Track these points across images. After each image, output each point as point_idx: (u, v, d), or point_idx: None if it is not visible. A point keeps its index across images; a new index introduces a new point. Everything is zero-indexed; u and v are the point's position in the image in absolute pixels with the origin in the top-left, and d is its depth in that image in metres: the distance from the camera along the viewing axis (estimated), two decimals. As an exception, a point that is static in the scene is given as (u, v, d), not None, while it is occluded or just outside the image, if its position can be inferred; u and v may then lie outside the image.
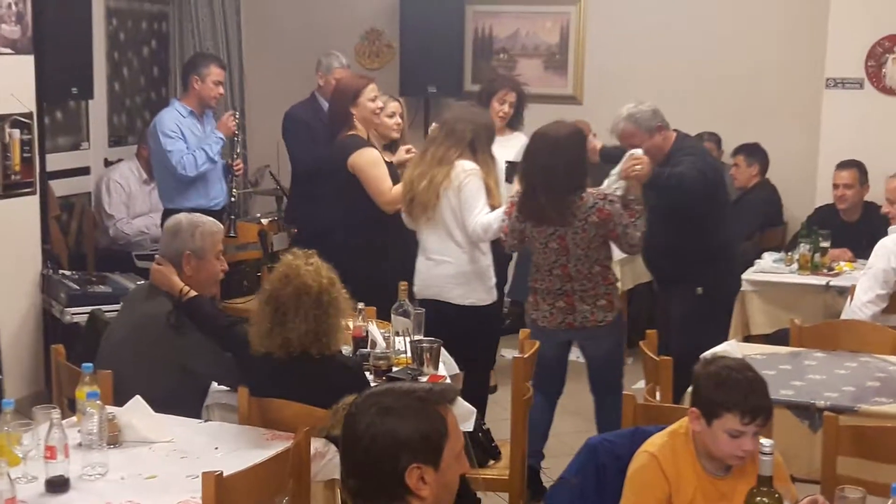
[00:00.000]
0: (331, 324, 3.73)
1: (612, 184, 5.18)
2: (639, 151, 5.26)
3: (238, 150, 6.95)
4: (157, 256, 4.34)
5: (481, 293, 5.33)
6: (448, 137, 5.29)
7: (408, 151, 5.73)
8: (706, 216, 5.59)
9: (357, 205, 5.56)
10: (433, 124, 5.67)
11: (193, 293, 4.17)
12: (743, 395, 3.13)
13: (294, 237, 6.90)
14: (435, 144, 5.32)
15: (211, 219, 4.43)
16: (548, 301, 5.09)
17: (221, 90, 6.68)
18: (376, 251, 5.53)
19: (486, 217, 5.19)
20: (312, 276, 3.72)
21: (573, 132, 5.07)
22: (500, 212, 5.19)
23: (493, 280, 5.42)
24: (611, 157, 5.68)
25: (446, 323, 5.07)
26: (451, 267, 5.29)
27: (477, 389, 5.23)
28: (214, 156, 6.53)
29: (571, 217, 4.92)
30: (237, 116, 6.83)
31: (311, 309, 3.69)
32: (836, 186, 6.84)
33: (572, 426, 5.75)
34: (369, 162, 5.52)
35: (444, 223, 5.27)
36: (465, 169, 5.23)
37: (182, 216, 4.39)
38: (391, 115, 5.89)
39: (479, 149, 5.30)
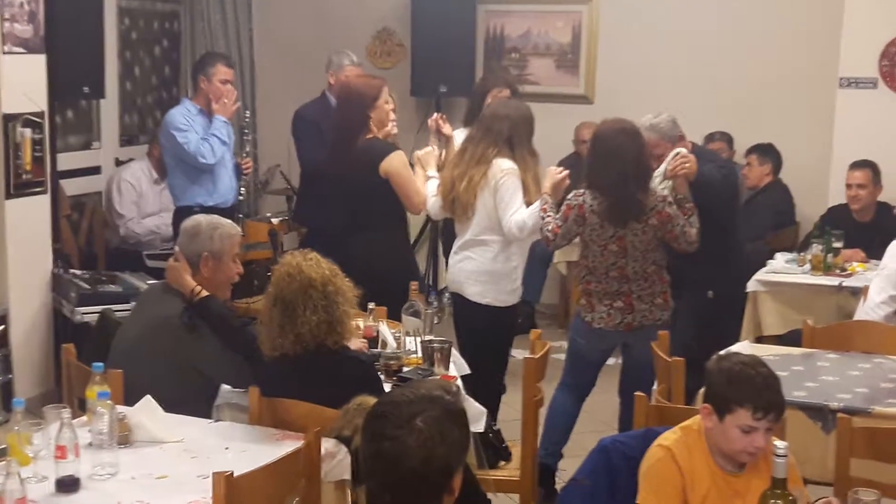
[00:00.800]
0: (342, 312, 3.75)
1: (658, 184, 5.22)
2: (684, 150, 5.35)
3: (248, 149, 6.96)
4: (175, 251, 4.34)
5: (501, 294, 5.33)
6: (486, 136, 5.28)
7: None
8: (724, 219, 5.62)
9: (378, 206, 5.52)
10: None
11: (205, 293, 4.17)
12: (756, 391, 3.13)
13: (304, 237, 6.90)
14: (473, 143, 5.32)
15: (230, 221, 4.45)
16: (605, 302, 5.11)
17: (230, 87, 6.68)
18: (394, 251, 5.54)
19: (520, 215, 5.20)
20: (314, 269, 3.75)
21: (635, 131, 5.09)
22: (534, 208, 5.18)
23: (518, 283, 5.41)
24: None
25: (463, 318, 5.31)
26: (473, 263, 5.32)
27: (489, 389, 5.22)
28: (226, 139, 6.55)
29: (641, 216, 4.96)
30: (238, 98, 6.83)
31: (320, 300, 3.71)
32: (849, 186, 6.80)
33: (586, 426, 5.72)
34: (403, 164, 5.49)
35: (475, 221, 5.30)
36: (503, 168, 5.22)
37: (201, 217, 4.40)
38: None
39: (517, 145, 5.28)
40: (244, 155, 6.85)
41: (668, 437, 3.31)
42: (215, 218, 4.42)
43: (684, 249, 5.13)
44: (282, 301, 3.73)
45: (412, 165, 5.63)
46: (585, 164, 5.23)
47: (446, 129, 5.77)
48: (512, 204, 5.20)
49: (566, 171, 5.29)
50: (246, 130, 7.10)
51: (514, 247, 5.34)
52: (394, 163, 5.45)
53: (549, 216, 5.13)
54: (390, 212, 5.54)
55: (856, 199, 6.79)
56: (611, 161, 4.99)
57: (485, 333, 5.30)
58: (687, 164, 5.25)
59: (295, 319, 3.70)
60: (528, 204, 5.22)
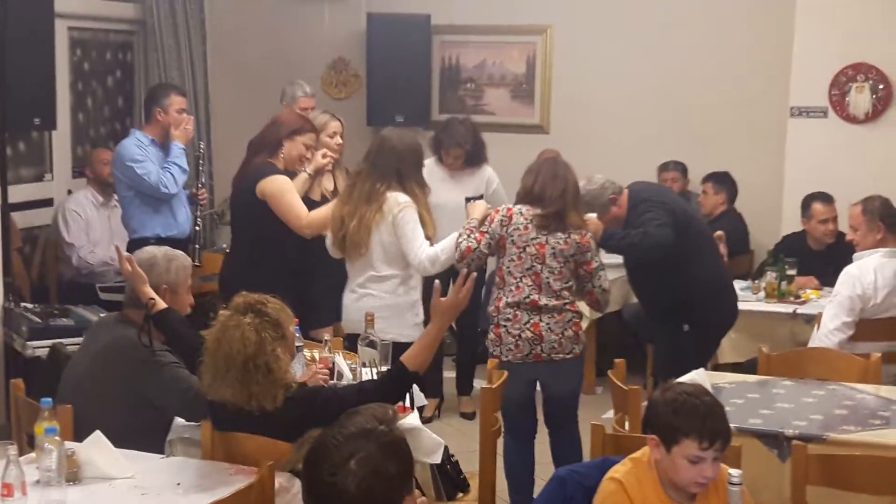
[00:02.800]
0: (261, 386, 3.59)
1: None
2: (592, 216, 5.37)
3: (202, 180, 6.91)
4: (131, 258, 4.25)
5: (405, 328, 5.15)
6: (373, 171, 5.20)
7: (324, 156, 5.69)
8: (681, 260, 5.48)
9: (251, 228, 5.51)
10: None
11: (163, 305, 4.11)
12: (700, 420, 3.13)
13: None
14: (361, 179, 5.24)
15: (182, 252, 4.43)
16: (513, 331, 5.08)
17: (186, 116, 6.66)
18: (303, 274, 5.52)
19: (433, 249, 5.15)
20: (238, 341, 3.60)
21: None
22: (448, 242, 5.15)
23: (421, 317, 5.25)
24: None
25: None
26: (373, 300, 5.19)
27: None
28: (185, 167, 6.53)
29: (568, 227, 5.07)
30: (193, 124, 6.81)
31: (239, 373, 3.58)
32: (824, 221, 6.80)
33: (548, 456, 5.71)
34: (284, 188, 5.38)
35: (372, 257, 5.21)
36: (399, 202, 5.15)
37: (155, 249, 4.36)
38: (332, 135, 5.96)
39: (405, 178, 5.21)
40: (199, 185, 6.81)
41: (618, 470, 3.30)
42: (169, 249, 4.39)
43: (597, 299, 5.22)
44: (211, 358, 3.64)
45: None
46: (527, 183, 5.21)
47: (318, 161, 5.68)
48: (416, 237, 5.13)
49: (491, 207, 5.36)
50: (201, 161, 7.05)
51: (413, 280, 5.29)
52: (273, 185, 5.37)
53: (468, 234, 5.15)
54: (264, 236, 5.44)
55: (830, 233, 6.82)
56: (555, 180, 5.10)
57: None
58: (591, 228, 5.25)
59: (222, 380, 3.62)
60: (428, 237, 5.17)
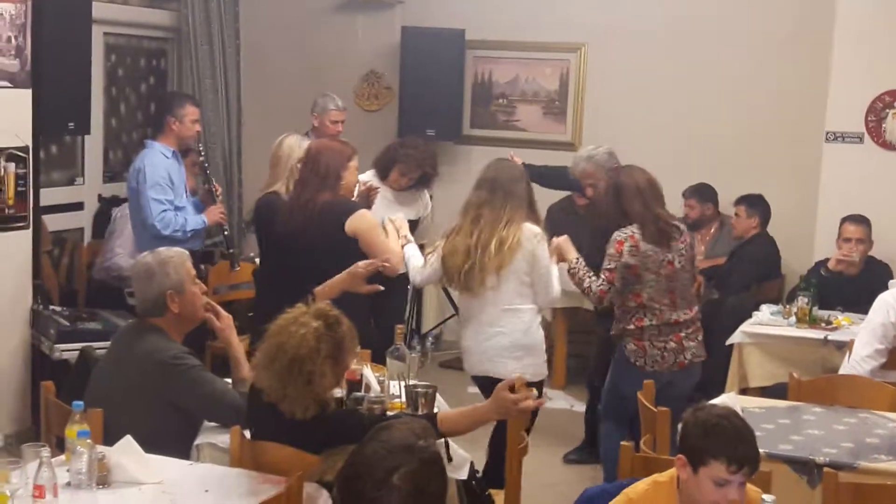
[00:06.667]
0: (297, 391, 3.60)
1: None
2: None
3: (215, 186, 6.82)
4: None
5: (539, 367, 5.19)
6: (508, 198, 5.11)
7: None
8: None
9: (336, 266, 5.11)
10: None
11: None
12: (731, 443, 3.11)
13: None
14: (489, 207, 5.11)
15: (175, 249, 4.38)
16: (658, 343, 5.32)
17: (198, 127, 6.61)
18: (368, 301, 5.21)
19: (559, 283, 5.23)
20: (296, 339, 3.61)
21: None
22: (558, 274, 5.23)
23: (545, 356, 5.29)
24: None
25: None
26: (506, 338, 5.12)
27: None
28: (189, 232, 6.33)
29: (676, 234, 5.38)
30: (226, 216, 6.77)
31: (283, 370, 3.59)
32: (847, 240, 6.76)
33: (575, 475, 5.68)
34: (373, 223, 5.14)
35: (507, 291, 5.11)
36: (535, 233, 5.13)
37: (148, 257, 4.31)
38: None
39: (533, 206, 5.26)
40: (212, 184, 6.71)
41: (637, 489, 3.28)
42: (160, 253, 4.31)
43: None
44: (290, 360, 3.61)
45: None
46: (610, 207, 5.36)
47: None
48: (553, 270, 5.15)
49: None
50: (205, 163, 6.90)
51: (538, 317, 5.26)
52: (365, 222, 5.09)
53: (585, 273, 5.22)
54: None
55: (851, 251, 6.75)
56: (630, 193, 5.27)
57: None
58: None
59: (280, 378, 3.62)
60: None
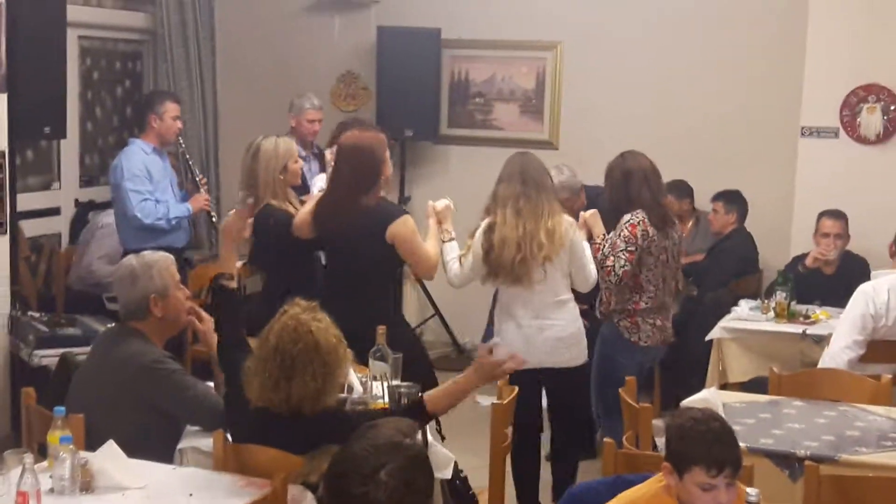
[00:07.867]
0: (333, 383, 3.66)
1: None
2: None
3: (197, 174, 6.86)
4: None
5: (582, 351, 5.32)
6: (542, 190, 5.16)
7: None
8: None
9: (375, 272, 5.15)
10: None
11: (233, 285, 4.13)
12: (706, 448, 3.08)
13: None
14: (525, 198, 5.10)
15: (159, 252, 4.38)
16: (649, 320, 5.48)
17: (180, 124, 6.76)
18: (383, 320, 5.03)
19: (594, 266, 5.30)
20: (323, 334, 3.62)
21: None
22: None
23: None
24: None
25: (560, 390, 5.32)
26: (558, 329, 5.20)
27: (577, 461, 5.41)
28: (172, 220, 6.51)
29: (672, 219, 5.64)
30: (210, 202, 6.86)
31: (319, 367, 3.59)
32: (826, 235, 6.79)
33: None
34: (413, 230, 5.07)
35: (554, 281, 5.17)
36: (571, 222, 5.24)
37: (130, 260, 4.30)
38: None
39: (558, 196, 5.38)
40: (198, 175, 6.82)
41: (639, 489, 3.28)
42: (144, 256, 4.31)
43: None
44: (281, 355, 3.60)
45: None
46: (617, 192, 5.46)
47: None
48: (589, 255, 5.25)
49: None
50: (188, 157, 6.98)
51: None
52: (407, 227, 5.03)
53: (611, 251, 5.31)
54: (386, 279, 5.24)
55: (829, 249, 6.78)
56: (639, 179, 5.41)
57: (580, 394, 5.39)
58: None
59: (291, 378, 3.59)
60: None
